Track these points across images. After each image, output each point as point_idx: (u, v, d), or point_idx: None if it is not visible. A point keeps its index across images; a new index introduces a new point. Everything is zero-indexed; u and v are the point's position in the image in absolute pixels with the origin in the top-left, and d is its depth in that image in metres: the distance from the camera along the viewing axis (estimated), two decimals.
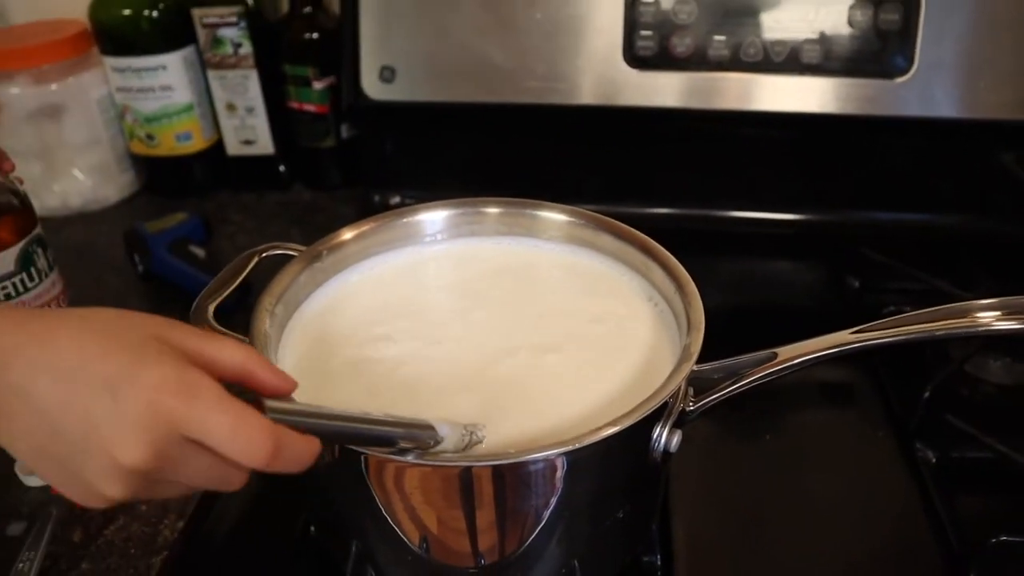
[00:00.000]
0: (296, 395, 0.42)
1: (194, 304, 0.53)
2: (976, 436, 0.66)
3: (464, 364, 0.53)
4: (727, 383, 0.51)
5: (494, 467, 0.43)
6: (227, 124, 1.05)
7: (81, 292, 0.90)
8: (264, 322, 0.50)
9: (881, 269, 0.86)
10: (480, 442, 0.45)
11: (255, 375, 0.40)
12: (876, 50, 0.84)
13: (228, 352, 0.39)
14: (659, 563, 0.57)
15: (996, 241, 0.90)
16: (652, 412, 0.44)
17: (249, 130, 1.05)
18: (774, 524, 0.62)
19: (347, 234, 0.58)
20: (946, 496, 0.62)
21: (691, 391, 0.51)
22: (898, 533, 0.61)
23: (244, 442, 0.36)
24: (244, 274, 0.55)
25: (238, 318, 0.54)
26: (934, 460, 0.66)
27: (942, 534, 0.60)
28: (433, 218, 0.62)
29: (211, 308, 0.52)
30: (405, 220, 0.60)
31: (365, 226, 0.58)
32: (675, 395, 0.47)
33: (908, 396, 0.70)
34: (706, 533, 0.60)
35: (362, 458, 0.45)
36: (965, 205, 0.92)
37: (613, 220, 0.60)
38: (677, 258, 0.56)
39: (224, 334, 0.50)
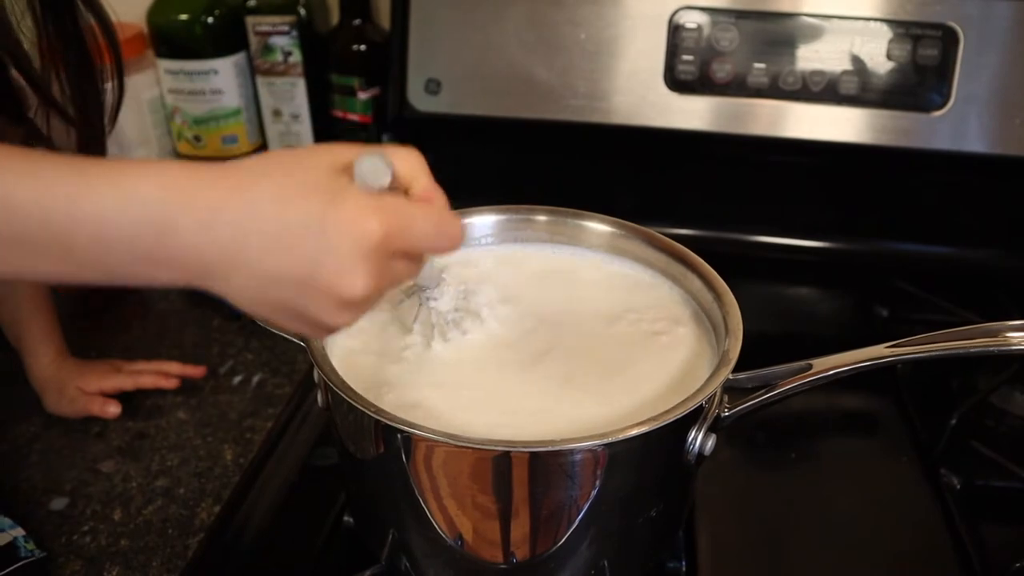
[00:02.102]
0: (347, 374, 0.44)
1: None
2: (1001, 464, 0.67)
3: (505, 361, 0.55)
4: (761, 392, 0.52)
5: (532, 454, 0.45)
6: (272, 129, 1.08)
7: (120, 290, 0.93)
8: None
9: (910, 299, 0.87)
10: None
11: (418, 180, 0.43)
12: (913, 84, 0.86)
13: (399, 161, 0.42)
14: (684, 569, 0.58)
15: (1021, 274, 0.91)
16: (689, 413, 0.46)
17: (293, 136, 1.08)
18: (797, 541, 0.63)
19: None
20: (970, 521, 0.63)
21: (726, 398, 0.52)
22: (920, 555, 0.62)
23: (447, 238, 0.42)
24: None
25: None
26: (958, 486, 0.66)
27: (965, 558, 0.61)
28: (484, 221, 0.64)
29: None
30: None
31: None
32: (711, 399, 0.49)
33: (934, 423, 0.71)
34: (730, 545, 0.62)
35: (399, 437, 0.46)
36: (995, 239, 0.92)
37: (653, 232, 0.61)
38: None
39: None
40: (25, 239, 0.37)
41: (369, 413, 0.45)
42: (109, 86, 0.67)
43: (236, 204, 0.38)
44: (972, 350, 0.49)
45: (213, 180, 0.38)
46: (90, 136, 0.64)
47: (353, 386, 0.47)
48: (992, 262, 0.93)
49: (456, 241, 0.43)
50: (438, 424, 0.46)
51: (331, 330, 0.42)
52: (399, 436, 0.46)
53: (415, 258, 0.43)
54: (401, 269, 0.42)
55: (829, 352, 0.55)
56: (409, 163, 0.43)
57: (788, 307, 0.92)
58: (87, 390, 0.74)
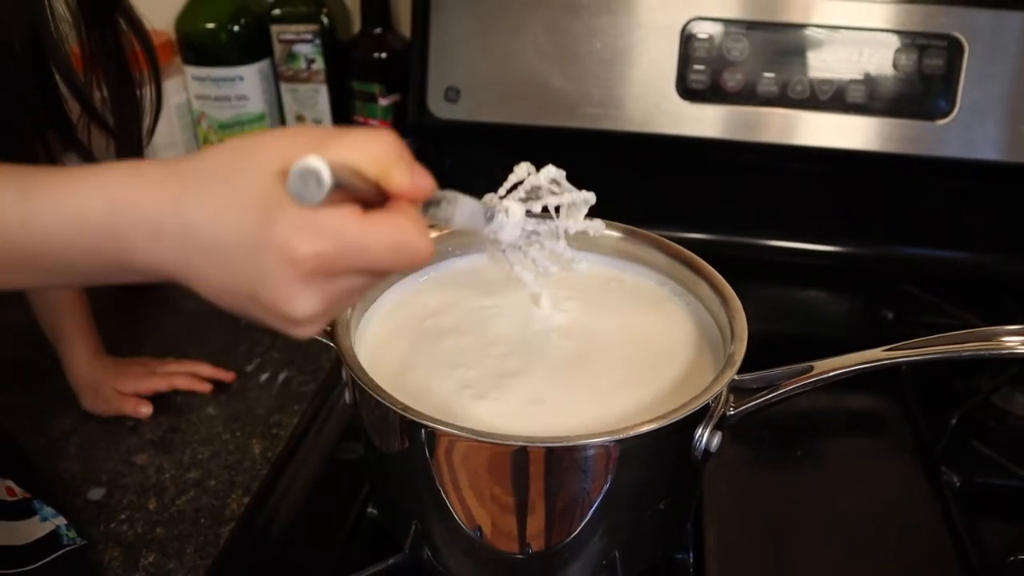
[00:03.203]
0: (372, 372, 0.47)
1: None
2: (1000, 463, 0.70)
3: (518, 359, 0.58)
4: (765, 392, 0.55)
5: (548, 448, 0.48)
6: None
7: (153, 284, 0.96)
8: (346, 311, 0.55)
9: (915, 302, 0.89)
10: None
11: (390, 174, 0.38)
12: (919, 93, 0.88)
13: (365, 155, 0.37)
14: (691, 561, 0.61)
15: None
16: (696, 411, 0.49)
17: None
18: (801, 535, 0.65)
19: None
20: (968, 517, 0.66)
21: (732, 398, 0.55)
22: (920, 549, 0.65)
23: (406, 257, 0.38)
24: None
25: None
26: (958, 484, 0.69)
27: (963, 552, 0.63)
28: None
29: None
30: None
31: (435, 233, 0.63)
32: (717, 398, 0.51)
33: (936, 423, 0.73)
34: (736, 538, 0.64)
35: (423, 432, 0.49)
36: (1000, 244, 0.95)
37: (662, 238, 0.64)
38: None
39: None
40: None
41: (395, 409, 0.48)
42: (147, 93, 0.71)
43: (174, 221, 0.37)
44: (965, 354, 0.52)
45: (156, 188, 0.38)
46: (128, 146, 0.68)
47: (377, 380, 0.50)
48: (996, 266, 0.95)
49: (419, 258, 0.38)
50: (459, 419, 0.49)
51: (303, 334, 0.40)
52: (423, 431, 0.49)
53: (374, 273, 0.39)
54: (356, 284, 0.39)
55: (836, 353, 0.57)
56: (378, 155, 0.38)
57: (797, 309, 0.95)
58: (123, 391, 0.77)
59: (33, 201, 0.39)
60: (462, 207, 0.45)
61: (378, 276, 0.39)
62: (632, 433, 0.47)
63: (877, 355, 0.53)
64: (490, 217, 0.50)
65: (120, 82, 0.67)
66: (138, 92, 0.69)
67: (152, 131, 0.72)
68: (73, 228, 0.39)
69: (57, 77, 0.59)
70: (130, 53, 0.68)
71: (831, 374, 0.53)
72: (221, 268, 0.37)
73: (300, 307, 0.37)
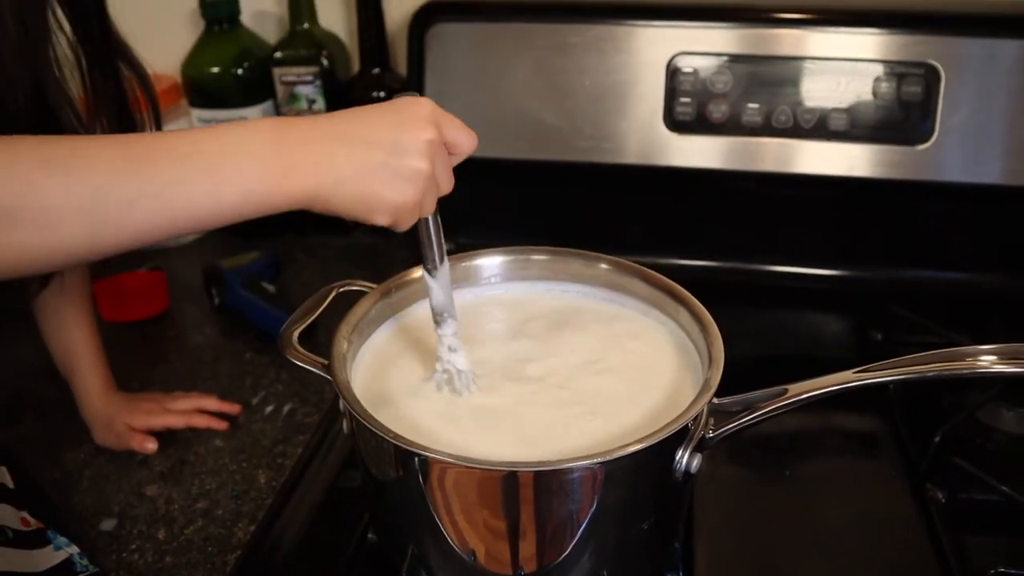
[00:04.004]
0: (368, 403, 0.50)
1: (282, 330, 0.61)
2: (983, 479, 0.71)
3: (506, 391, 0.61)
4: (744, 414, 0.57)
5: (536, 473, 0.50)
6: None
7: (161, 319, 1.00)
8: (342, 346, 0.58)
9: (904, 323, 0.91)
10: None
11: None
12: (899, 119, 0.91)
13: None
14: None
15: (1014, 298, 0.95)
16: (675, 434, 0.51)
17: None
18: (789, 553, 0.67)
19: (415, 273, 0.66)
20: (952, 532, 0.67)
21: (711, 421, 0.57)
22: (904, 563, 0.66)
23: (470, 138, 0.55)
24: (323, 306, 0.63)
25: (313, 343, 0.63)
26: (943, 500, 0.70)
27: (945, 566, 0.65)
28: (490, 262, 0.70)
29: (295, 334, 0.60)
30: (465, 264, 0.69)
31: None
32: (696, 421, 0.54)
33: (921, 440, 0.75)
34: (726, 556, 0.66)
35: (416, 460, 0.52)
36: (986, 264, 0.97)
37: (646, 268, 0.67)
38: (710, 307, 0.62)
39: (305, 357, 0.59)
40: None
41: (388, 439, 0.50)
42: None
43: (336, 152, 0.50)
44: (930, 374, 0.54)
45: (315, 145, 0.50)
46: None
47: (371, 411, 0.53)
48: (983, 286, 0.97)
49: (475, 138, 0.55)
50: (450, 446, 0.52)
51: (418, 181, 0.51)
52: (415, 459, 0.51)
53: (453, 151, 0.54)
54: (446, 165, 0.53)
55: (822, 374, 0.59)
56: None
57: (786, 332, 0.96)
58: (135, 426, 0.80)
59: (218, 177, 0.47)
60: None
61: (455, 154, 0.55)
62: (615, 455, 0.49)
63: (847, 377, 0.55)
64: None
65: (122, 124, 0.70)
66: (140, 131, 0.72)
67: None
68: (251, 196, 0.48)
69: (63, 123, 0.63)
70: (131, 96, 0.71)
71: (804, 396, 0.56)
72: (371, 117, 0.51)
73: (428, 132, 0.51)
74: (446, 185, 0.54)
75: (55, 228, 0.45)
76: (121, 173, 0.45)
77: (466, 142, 0.54)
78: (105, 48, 0.68)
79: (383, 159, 0.50)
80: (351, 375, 0.58)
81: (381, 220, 0.51)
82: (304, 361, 0.59)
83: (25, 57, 0.58)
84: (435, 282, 0.60)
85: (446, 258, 0.60)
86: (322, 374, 0.57)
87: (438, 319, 0.61)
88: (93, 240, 0.46)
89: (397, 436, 0.50)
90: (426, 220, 0.57)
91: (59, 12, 0.65)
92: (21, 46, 0.57)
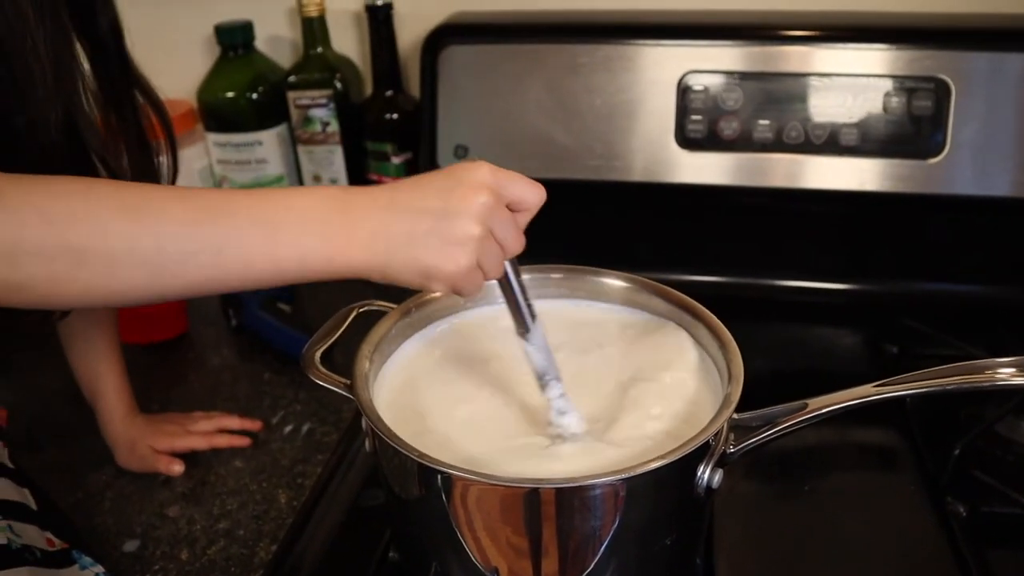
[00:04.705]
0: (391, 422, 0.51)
1: (304, 350, 0.62)
2: (1004, 492, 0.71)
3: (527, 407, 0.61)
4: (764, 429, 0.57)
5: (558, 490, 0.51)
6: None
7: (180, 341, 1.01)
8: (364, 366, 0.59)
9: (918, 336, 0.92)
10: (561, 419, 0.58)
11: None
12: (910, 133, 0.91)
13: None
14: None
15: None
16: (696, 450, 0.52)
17: None
18: (810, 568, 0.67)
19: (437, 292, 0.66)
20: (974, 545, 0.67)
21: (732, 436, 0.57)
22: None
23: (536, 192, 0.53)
24: (344, 326, 0.64)
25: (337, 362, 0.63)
26: (964, 513, 0.70)
27: None
28: None
29: (317, 355, 0.61)
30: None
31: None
32: (716, 437, 0.54)
33: (941, 453, 0.75)
34: (747, 572, 0.66)
35: (438, 477, 0.52)
36: (999, 276, 0.97)
37: (664, 286, 0.67)
38: (724, 321, 0.63)
39: (327, 377, 0.59)
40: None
41: (412, 457, 0.51)
42: (164, 160, 0.75)
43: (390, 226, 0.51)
44: (953, 387, 0.55)
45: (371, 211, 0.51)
46: None
47: (394, 428, 0.53)
48: (997, 298, 0.97)
49: (543, 192, 0.54)
50: (473, 463, 0.52)
51: (469, 246, 0.50)
52: (439, 476, 0.52)
53: (517, 212, 0.53)
54: (508, 226, 0.52)
55: (836, 389, 0.60)
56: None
57: (801, 346, 0.97)
58: (158, 448, 0.80)
59: (278, 239, 0.49)
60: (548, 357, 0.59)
61: (521, 211, 0.54)
62: (637, 472, 0.50)
63: (867, 391, 0.55)
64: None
65: (139, 151, 0.72)
66: (156, 160, 0.74)
67: None
68: (308, 261, 0.49)
69: (91, 153, 0.64)
70: (147, 124, 0.73)
71: (824, 411, 0.56)
72: (422, 187, 0.51)
73: (482, 198, 0.50)
74: (513, 246, 0.53)
75: (117, 272, 0.47)
76: (186, 226, 0.47)
77: (531, 196, 0.53)
78: (122, 79, 0.70)
79: (431, 225, 0.50)
80: (373, 394, 0.59)
81: (439, 288, 0.52)
82: (327, 381, 0.59)
83: (59, 91, 0.59)
84: (530, 345, 0.58)
85: (537, 318, 0.58)
86: (345, 393, 0.58)
87: (542, 383, 0.59)
88: (150, 286, 0.48)
89: (420, 453, 0.51)
90: (503, 284, 0.56)
91: (77, 45, 0.67)
92: (55, 80, 0.58)
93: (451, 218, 0.50)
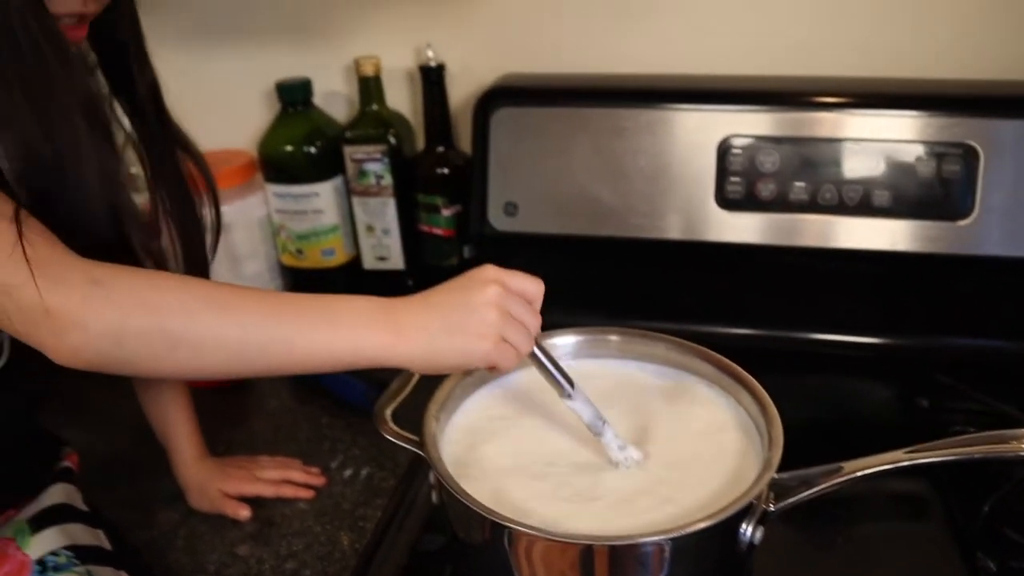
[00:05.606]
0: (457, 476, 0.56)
1: (375, 408, 0.67)
2: None
3: (579, 463, 0.66)
4: (802, 489, 0.62)
5: (611, 547, 0.55)
6: (365, 243, 1.22)
7: (239, 385, 1.06)
8: (432, 425, 0.64)
9: (950, 391, 0.95)
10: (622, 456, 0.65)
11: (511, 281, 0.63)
12: (940, 196, 0.95)
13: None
14: None
15: None
16: (739, 511, 0.56)
17: (384, 248, 1.21)
18: None
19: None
20: None
21: (772, 495, 0.62)
22: None
23: (535, 283, 0.64)
24: (411, 385, 0.69)
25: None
26: (995, 569, 0.74)
27: None
28: (564, 341, 0.76)
29: (388, 412, 0.67)
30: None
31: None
32: (758, 497, 0.59)
33: (971, 509, 0.78)
34: None
35: (506, 533, 0.57)
36: None
37: (709, 350, 0.72)
38: (761, 375, 0.68)
39: (398, 434, 0.65)
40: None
41: (480, 512, 0.56)
42: (208, 213, 0.81)
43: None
44: (976, 456, 0.59)
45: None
46: (196, 265, 0.79)
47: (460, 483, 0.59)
48: None
49: (541, 283, 0.64)
50: (530, 516, 0.57)
51: (490, 334, 0.60)
52: (504, 531, 0.57)
53: (528, 301, 0.63)
54: (522, 307, 0.62)
55: (871, 442, 0.65)
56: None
57: (836, 398, 1.00)
58: (228, 492, 0.86)
59: (337, 335, 0.59)
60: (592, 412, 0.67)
61: (529, 300, 0.64)
62: (684, 532, 0.55)
63: (898, 457, 0.60)
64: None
65: (182, 204, 0.78)
66: (200, 212, 0.80)
67: (215, 248, 0.83)
68: (362, 353, 0.59)
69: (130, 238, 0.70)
70: (190, 178, 0.79)
71: (858, 474, 0.60)
72: (444, 291, 0.62)
73: (492, 293, 0.60)
74: (532, 326, 0.63)
75: (204, 354, 0.57)
76: (264, 321, 0.57)
77: (531, 286, 0.64)
78: (163, 136, 0.76)
79: (459, 316, 0.60)
80: (441, 447, 0.64)
81: (479, 364, 0.61)
82: (398, 438, 0.65)
83: (104, 190, 0.65)
84: (574, 404, 0.66)
85: (574, 382, 0.66)
86: (415, 450, 0.63)
87: (594, 431, 0.66)
88: (229, 368, 0.59)
89: (489, 510, 0.56)
90: (534, 358, 0.64)
91: (117, 107, 0.73)
92: (102, 181, 0.64)
93: (473, 308, 0.60)
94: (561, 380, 0.65)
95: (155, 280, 0.58)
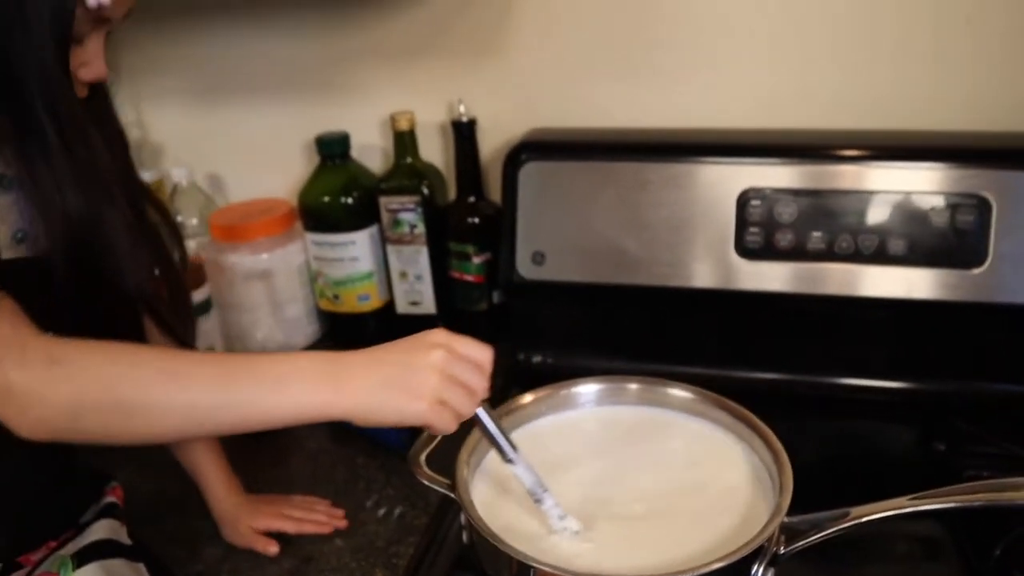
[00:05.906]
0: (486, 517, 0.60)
1: (410, 454, 0.72)
2: None
3: (598, 505, 0.70)
4: (812, 533, 0.65)
5: None
6: (399, 288, 1.27)
7: (277, 431, 1.11)
8: (463, 471, 0.69)
9: (966, 435, 0.97)
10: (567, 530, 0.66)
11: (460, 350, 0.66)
12: (954, 245, 0.99)
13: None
14: None
15: None
16: (751, 553, 0.60)
17: (416, 293, 1.26)
18: None
19: (524, 399, 0.77)
20: None
21: (783, 538, 0.65)
22: None
23: (483, 352, 0.66)
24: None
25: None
26: None
27: None
28: (588, 389, 0.80)
29: (422, 457, 0.71)
30: (564, 392, 0.79)
31: (535, 395, 0.77)
32: (769, 540, 0.62)
33: (984, 551, 0.81)
34: None
35: (531, 571, 0.61)
36: None
37: (725, 399, 0.76)
38: (781, 418, 0.71)
39: (432, 477, 0.70)
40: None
41: (510, 554, 0.60)
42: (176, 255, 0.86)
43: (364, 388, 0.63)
44: (976, 504, 0.62)
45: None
46: (178, 303, 0.85)
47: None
48: None
49: (490, 350, 0.67)
50: (551, 556, 0.61)
51: (431, 400, 0.63)
52: (531, 571, 0.61)
53: (475, 368, 0.65)
54: (468, 372, 0.65)
55: (886, 485, 0.68)
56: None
57: (853, 440, 1.03)
58: (258, 528, 0.90)
59: (283, 394, 0.62)
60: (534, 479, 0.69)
61: (480, 374, 0.66)
62: (700, 572, 0.58)
63: (903, 503, 0.63)
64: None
65: (159, 248, 0.83)
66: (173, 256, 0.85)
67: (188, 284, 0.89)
68: (304, 410, 0.63)
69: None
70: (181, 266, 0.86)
71: (864, 519, 0.64)
72: (386, 350, 0.65)
73: (437, 359, 0.63)
74: (478, 390, 0.65)
75: (156, 422, 0.62)
76: (212, 387, 0.62)
77: (478, 353, 0.66)
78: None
79: (398, 374, 0.63)
80: (471, 491, 0.68)
81: (414, 422, 0.64)
82: (432, 481, 0.69)
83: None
84: (516, 469, 0.68)
85: (516, 447, 0.68)
86: (448, 493, 0.67)
87: (535, 499, 0.69)
88: (181, 432, 0.68)
89: (518, 552, 0.60)
90: (478, 422, 0.67)
91: None
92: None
93: (415, 369, 0.63)
94: (504, 445, 0.68)
95: (111, 354, 0.62)
